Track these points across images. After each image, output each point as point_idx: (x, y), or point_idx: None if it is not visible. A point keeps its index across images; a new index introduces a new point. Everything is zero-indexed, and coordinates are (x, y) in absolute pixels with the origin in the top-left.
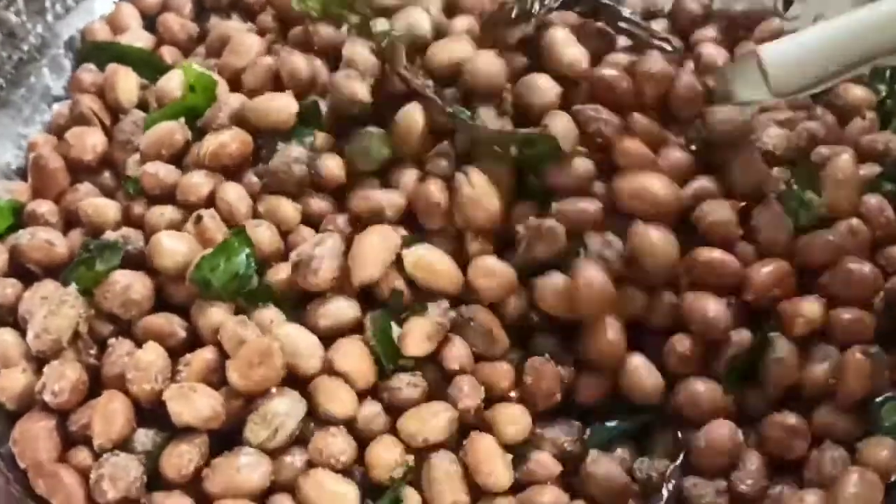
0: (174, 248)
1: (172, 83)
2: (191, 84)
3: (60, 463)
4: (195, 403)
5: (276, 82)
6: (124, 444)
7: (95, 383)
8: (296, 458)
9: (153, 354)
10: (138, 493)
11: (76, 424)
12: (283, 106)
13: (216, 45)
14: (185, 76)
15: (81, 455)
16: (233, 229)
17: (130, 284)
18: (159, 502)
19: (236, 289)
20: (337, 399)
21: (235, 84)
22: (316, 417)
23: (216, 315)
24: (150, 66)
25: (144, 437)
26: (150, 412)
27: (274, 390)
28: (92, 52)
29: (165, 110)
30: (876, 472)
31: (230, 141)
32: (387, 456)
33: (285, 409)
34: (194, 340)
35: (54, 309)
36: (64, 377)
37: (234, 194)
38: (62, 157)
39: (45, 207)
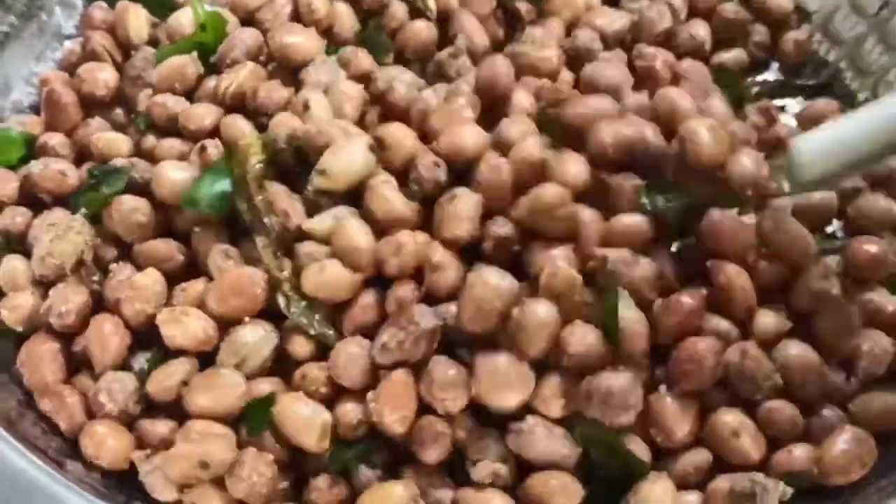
0: (176, 177)
1: (183, 20)
2: (201, 23)
3: (65, 384)
4: (188, 327)
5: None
6: (122, 366)
7: (100, 309)
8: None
9: (150, 279)
10: (135, 408)
11: (80, 346)
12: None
13: None
14: (196, 16)
15: (85, 377)
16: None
17: (136, 207)
18: (145, 427)
19: (220, 208)
20: None
21: (247, 24)
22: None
23: (208, 243)
24: (159, 4)
25: (142, 360)
26: (148, 336)
27: (247, 320)
28: None
29: (177, 45)
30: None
31: (251, 77)
32: None
33: (254, 339)
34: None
35: (60, 234)
36: (69, 300)
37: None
38: (74, 93)
39: (56, 139)
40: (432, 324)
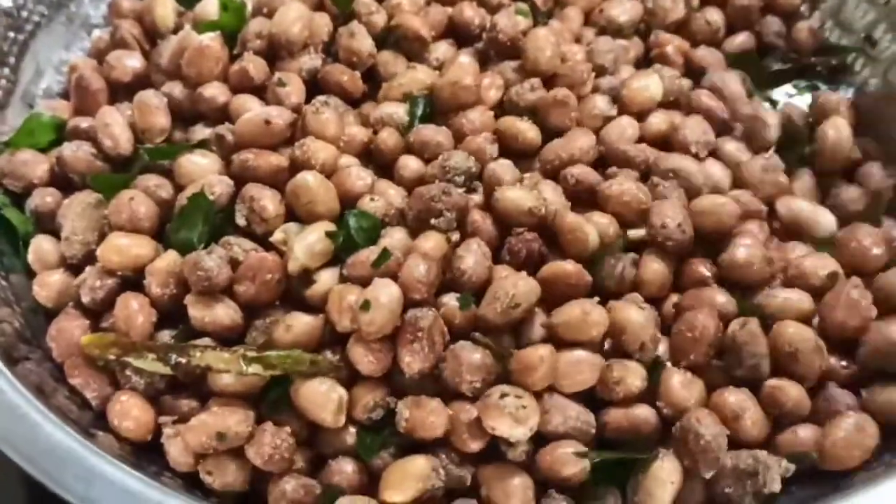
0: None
1: (209, 8)
2: (223, 2)
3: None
4: (215, 311)
5: None
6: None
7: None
8: None
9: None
10: (160, 382)
11: (108, 322)
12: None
13: None
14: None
15: None
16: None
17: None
18: (169, 402)
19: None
20: None
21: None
22: None
23: None
24: None
25: (167, 337)
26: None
27: None
28: None
29: (200, 28)
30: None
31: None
32: None
33: None
34: None
35: (79, 212)
36: (101, 278)
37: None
38: (102, 79)
39: (86, 123)
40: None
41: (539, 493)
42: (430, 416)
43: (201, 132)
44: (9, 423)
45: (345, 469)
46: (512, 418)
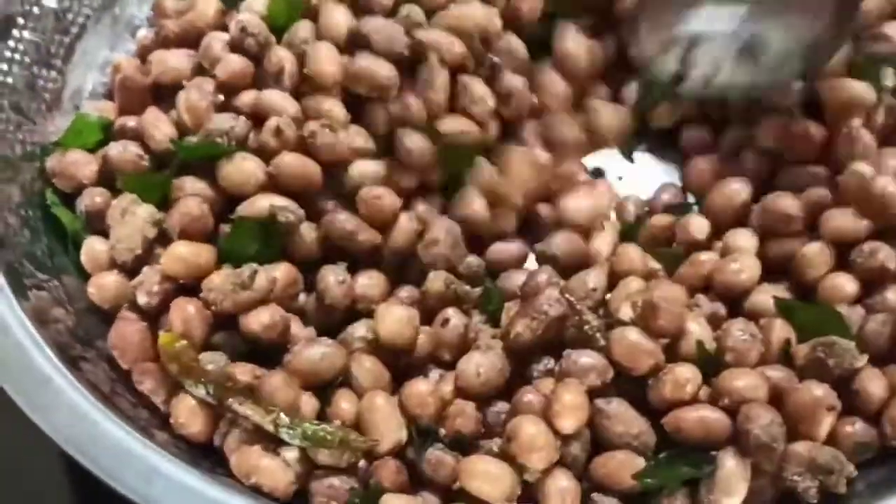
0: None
1: (256, 5)
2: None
3: (157, 362)
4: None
5: None
6: (206, 345)
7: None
8: None
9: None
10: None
11: (165, 326)
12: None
13: None
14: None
15: None
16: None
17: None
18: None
19: None
20: None
21: None
22: None
23: None
24: None
25: (224, 337)
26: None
27: None
28: None
29: None
30: None
31: None
32: None
33: None
34: None
35: (119, 218)
36: (157, 282)
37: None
38: (146, 78)
39: (132, 122)
40: (560, 311)
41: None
42: None
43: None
44: (71, 422)
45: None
46: None
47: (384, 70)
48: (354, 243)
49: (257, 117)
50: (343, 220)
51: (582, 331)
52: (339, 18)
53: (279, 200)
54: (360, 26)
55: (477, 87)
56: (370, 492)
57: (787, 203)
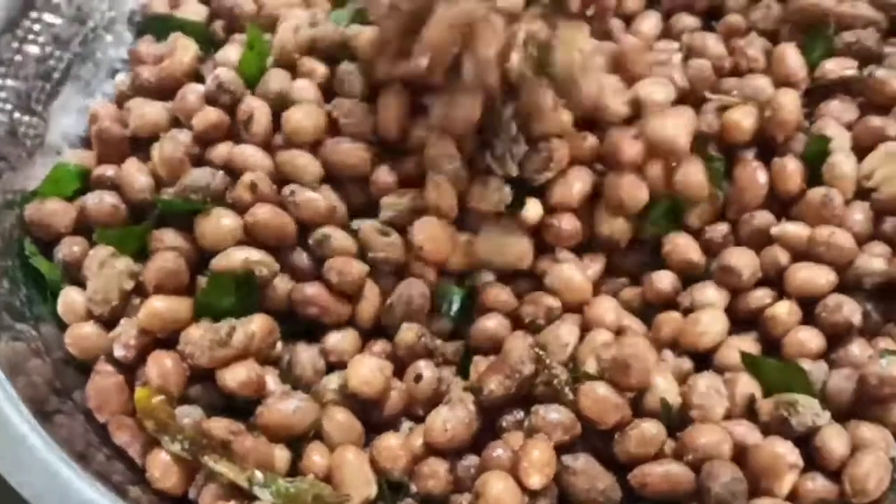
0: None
1: (230, 55)
2: (250, 42)
3: (133, 416)
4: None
5: None
6: (183, 398)
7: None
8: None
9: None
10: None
11: (142, 380)
12: None
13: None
14: (249, 34)
15: None
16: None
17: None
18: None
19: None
20: None
21: None
22: None
23: None
24: (204, 40)
25: (200, 391)
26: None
27: None
28: (150, 24)
29: None
30: None
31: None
32: None
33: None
34: None
35: (96, 270)
36: (134, 335)
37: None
38: (123, 127)
39: (111, 172)
40: (533, 369)
41: None
42: None
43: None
44: (42, 481)
45: None
46: None
47: (354, 158)
48: (322, 319)
49: (232, 170)
50: (310, 296)
51: (551, 385)
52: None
53: (254, 254)
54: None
55: None
56: None
57: (736, 259)
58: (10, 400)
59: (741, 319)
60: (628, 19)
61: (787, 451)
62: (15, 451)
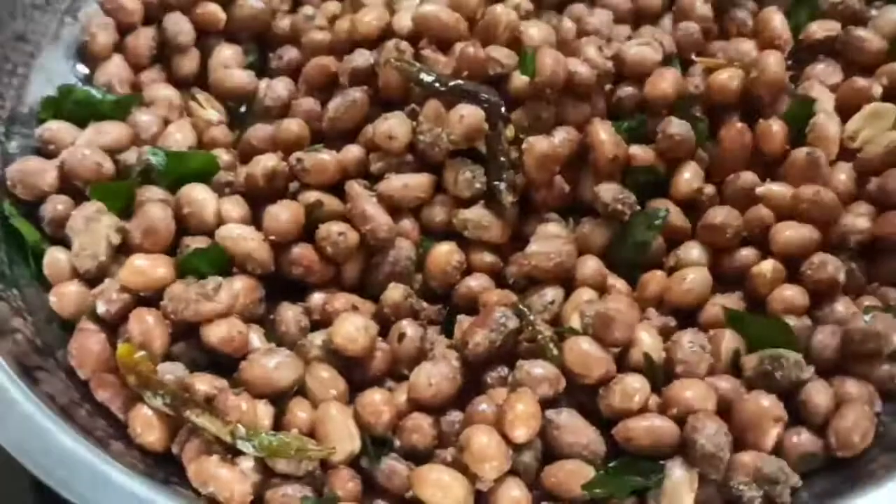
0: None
1: None
2: None
3: (115, 373)
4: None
5: None
6: (167, 355)
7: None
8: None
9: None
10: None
11: (124, 337)
12: None
13: None
14: None
15: None
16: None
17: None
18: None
19: None
20: None
21: None
22: None
23: None
24: None
25: (183, 348)
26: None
27: None
28: None
29: None
30: None
31: None
32: None
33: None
34: None
35: (84, 226)
36: (116, 292)
37: None
38: None
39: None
40: (517, 323)
41: None
42: None
43: None
44: (23, 434)
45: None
46: None
47: None
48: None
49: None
50: (296, 256)
51: (535, 341)
52: None
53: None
54: None
55: None
56: (324, 500)
57: (720, 217)
58: None
59: (726, 279)
60: None
61: (771, 405)
62: None
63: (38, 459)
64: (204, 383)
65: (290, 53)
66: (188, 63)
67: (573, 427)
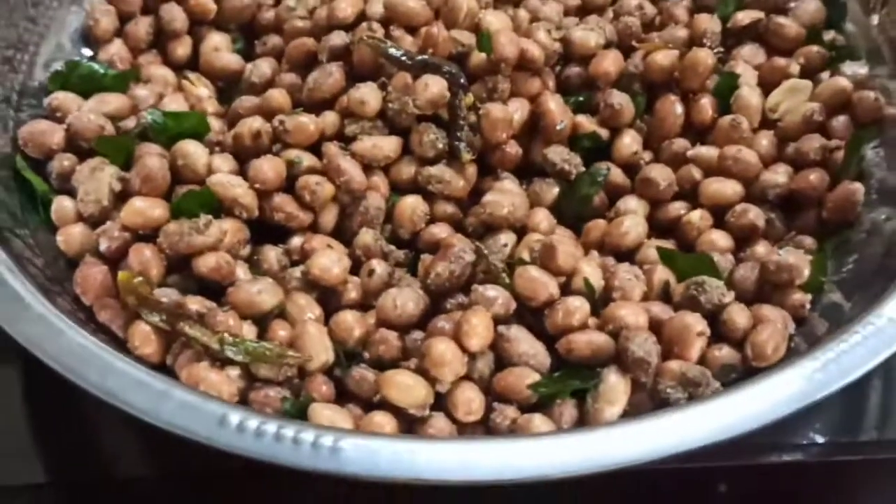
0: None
1: None
2: None
3: (116, 298)
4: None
5: None
6: (161, 285)
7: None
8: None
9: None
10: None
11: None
12: None
13: None
14: None
15: None
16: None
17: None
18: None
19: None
20: None
21: None
22: None
23: None
24: None
25: (177, 279)
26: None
27: None
28: None
29: None
30: None
31: None
32: None
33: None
34: None
35: (88, 175)
36: (117, 230)
37: None
38: None
39: None
40: (473, 257)
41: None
42: None
43: None
44: (37, 330)
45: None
46: None
47: None
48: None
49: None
50: (277, 204)
51: (489, 273)
52: None
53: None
54: None
55: None
56: (301, 401)
57: (654, 173)
58: (5, 263)
59: (661, 229)
60: None
61: (695, 321)
62: (11, 306)
63: (52, 352)
64: (195, 303)
65: (273, 40)
66: (181, 48)
67: (522, 339)
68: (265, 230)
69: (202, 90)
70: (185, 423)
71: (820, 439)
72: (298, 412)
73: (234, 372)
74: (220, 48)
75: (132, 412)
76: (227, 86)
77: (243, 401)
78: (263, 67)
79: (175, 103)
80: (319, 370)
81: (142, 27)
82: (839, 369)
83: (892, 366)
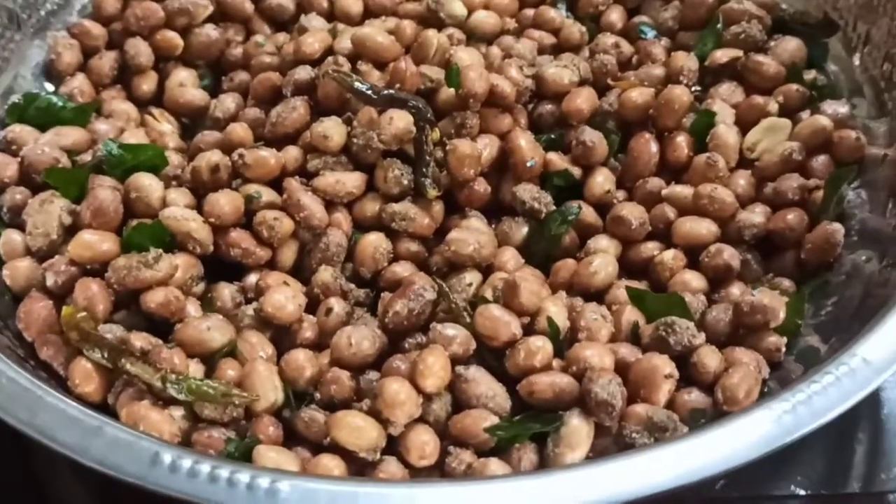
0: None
1: None
2: None
3: (59, 335)
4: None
5: None
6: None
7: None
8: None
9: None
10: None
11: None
12: None
13: None
14: None
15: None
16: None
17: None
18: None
19: None
20: None
21: None
22: None
23: None
24: None
25: (123, 315)
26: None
27: None
28: None
29: None
30: None
31: None
32: None
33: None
34: None
35: (38, 208)
36: (64, 265)
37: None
38: None
39: None
40: (434, 296)
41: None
42: None
43: None
44: None
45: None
46: None
47: None
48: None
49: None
50: (233, 239)
51: (451, 312)
52: None
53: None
54: None
55: None
56: (246, 443)
57: (625, 211)
58: None
59: (633, 270)
60: None
61: (663, 363)
62: None
63: None
64: (140, 339)
65: (241, 76)
66: (146, 84)
67: (481, 381)
68: (223, 268)
69: (165, 126)
70: (116, 462)
71: (801, 492)
72: (243, 454)
73: (178, 412)
74: (185, 84)
75: (59, 450)
76: (193, 122)
77: (187, 442)
78: (227, 102)
79: (135, 138)
80: (267, 411)
81: (106, 62)
82: (810, 412)
83: (877, 415)
